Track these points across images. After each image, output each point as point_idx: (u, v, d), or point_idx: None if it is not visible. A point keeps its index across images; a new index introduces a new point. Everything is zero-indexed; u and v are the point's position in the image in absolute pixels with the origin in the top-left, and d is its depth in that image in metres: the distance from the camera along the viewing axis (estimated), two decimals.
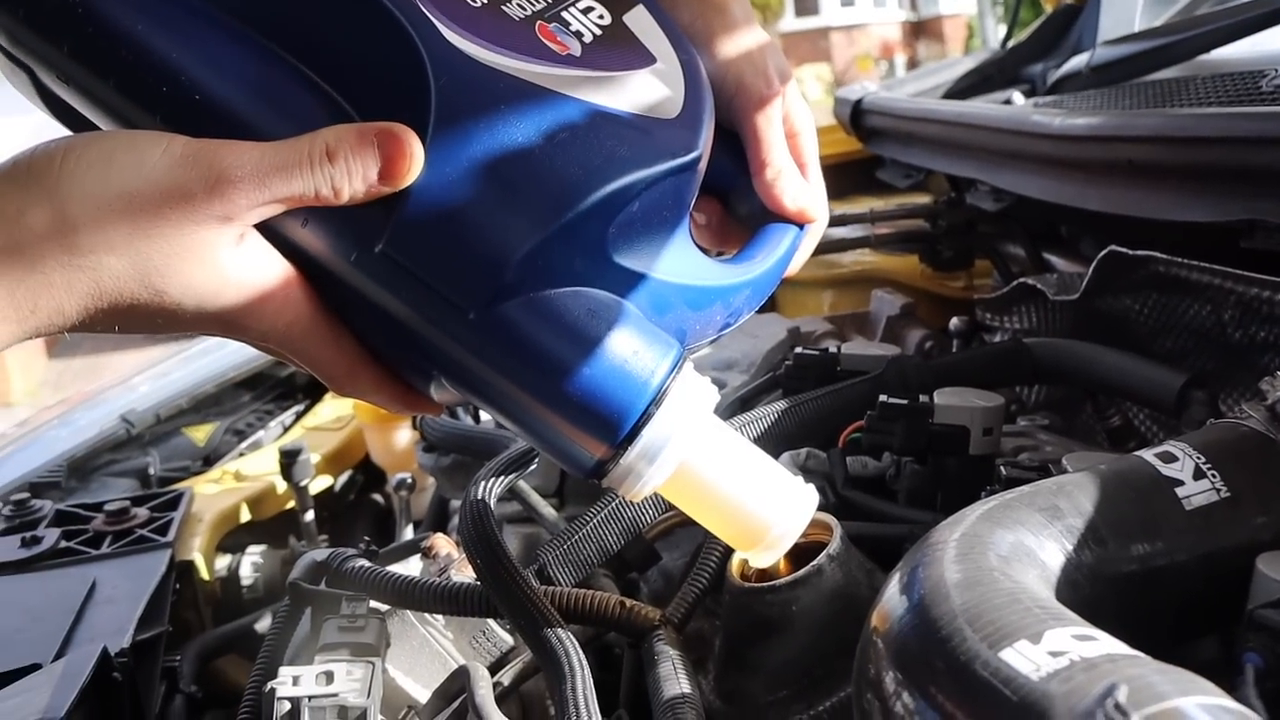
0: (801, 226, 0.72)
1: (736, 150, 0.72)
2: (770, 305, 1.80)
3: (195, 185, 0.49)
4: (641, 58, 0.65)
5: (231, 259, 0.52)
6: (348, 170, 0.51)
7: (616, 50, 0.64)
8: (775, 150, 0.71)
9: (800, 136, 0.74)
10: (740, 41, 0.72)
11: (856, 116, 1.80)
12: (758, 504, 0.62)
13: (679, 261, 0.62)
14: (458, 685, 0.76)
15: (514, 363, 0.56)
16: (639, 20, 0.67)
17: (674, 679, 0.69)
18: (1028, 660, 0.42)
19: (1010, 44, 1.96)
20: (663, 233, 0.61)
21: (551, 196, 0.55)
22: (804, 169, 0.73)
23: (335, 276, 0.54)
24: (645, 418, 0.57)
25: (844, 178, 2.03)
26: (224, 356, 1.76)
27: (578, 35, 0.63)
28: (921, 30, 25.98)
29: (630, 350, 0.56)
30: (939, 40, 24.96)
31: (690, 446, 0.59)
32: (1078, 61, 1.64)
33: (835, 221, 1.65)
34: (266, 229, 0.53)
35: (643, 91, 0.62)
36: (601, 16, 0.65)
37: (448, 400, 0.61)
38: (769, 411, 0.91)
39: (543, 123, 0.56)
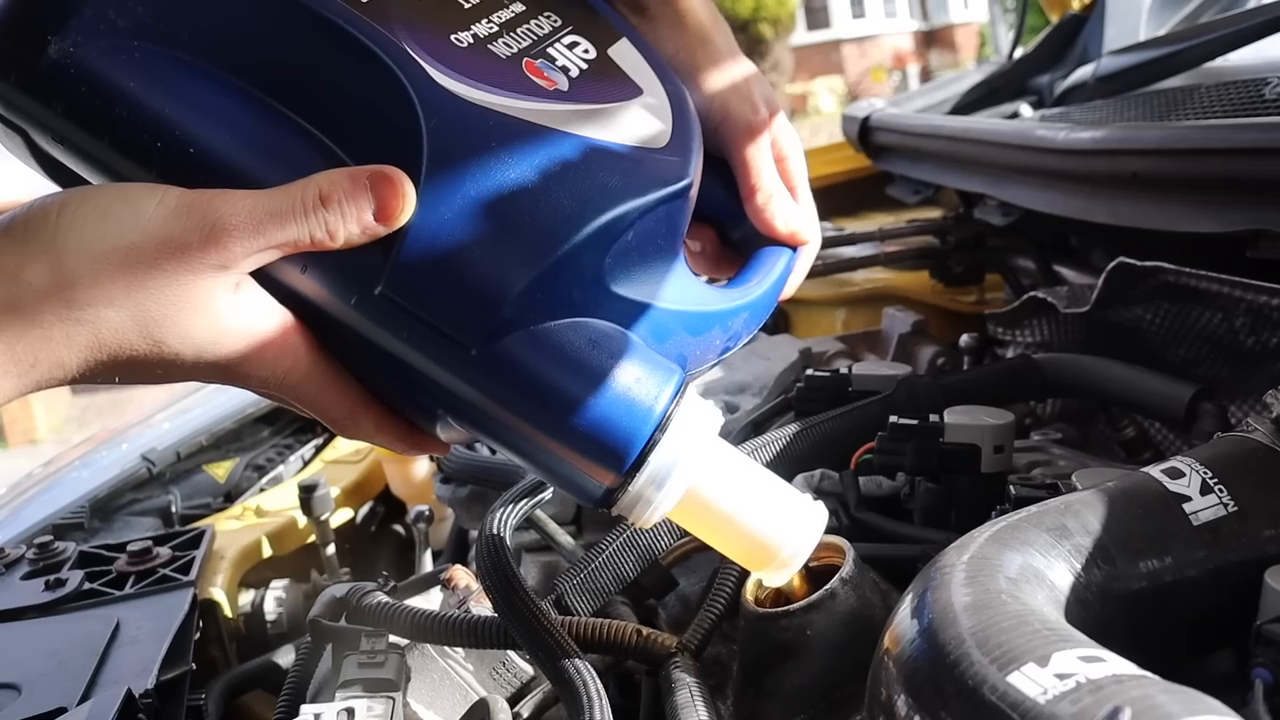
0: (795, 249, 0.73)
1: (727, 177, 0.73)
2: (783, 326, 1.80)
3: (191, 235, 0.50)
4: (628, 90, 0.66)
5: (229, 307, 0.52)
6: (342, 213, 0.52)
7: (603, 83, 0.65)
8: (765, 175, 0.72)
9: (789, 160, 0.75)
10: (725, 71, 0.73)
11: (864, 134, 1.80)
12: (767, 524, 0.62)
13: (676, 288, 0.62)
14: (478, 717, 0.76)
15: (518, 397, 0.56)
16: (624, 53, 0.69)
17: (691, 706, 0.69)
18: (1035, 683, 0.43)
19: (1017, 55, 1.97)
20: (658, 261, 0.62)
21: (546, 230, 0.56)
22: (794, 192, 0.74)
23: (336, 321, 0.55)
24: (651, 444, 0.57)
25: (854, 194, 2.03)
26: (242, 393, 1.76)
27: (564, 70, 0.64)
28: (933, 39, 26.01)
29: (633, 378, 0.57)
30: (951, 49, 24.96)
31: (697, 470, 0.60)
32: (1084, 72, 1.65)
33: (845, 240, 1.66)
34: (266, 277, 0.54)
35: (631, 123, 0.63)
36: (587, 51, 0.66)
37: (454, 439, 0.61)
38: (781, 434, 0.91)
39: (534, 158, 0.57)
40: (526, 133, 0.58)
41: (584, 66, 0.65)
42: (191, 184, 0.52)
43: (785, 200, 0.73)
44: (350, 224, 0.52)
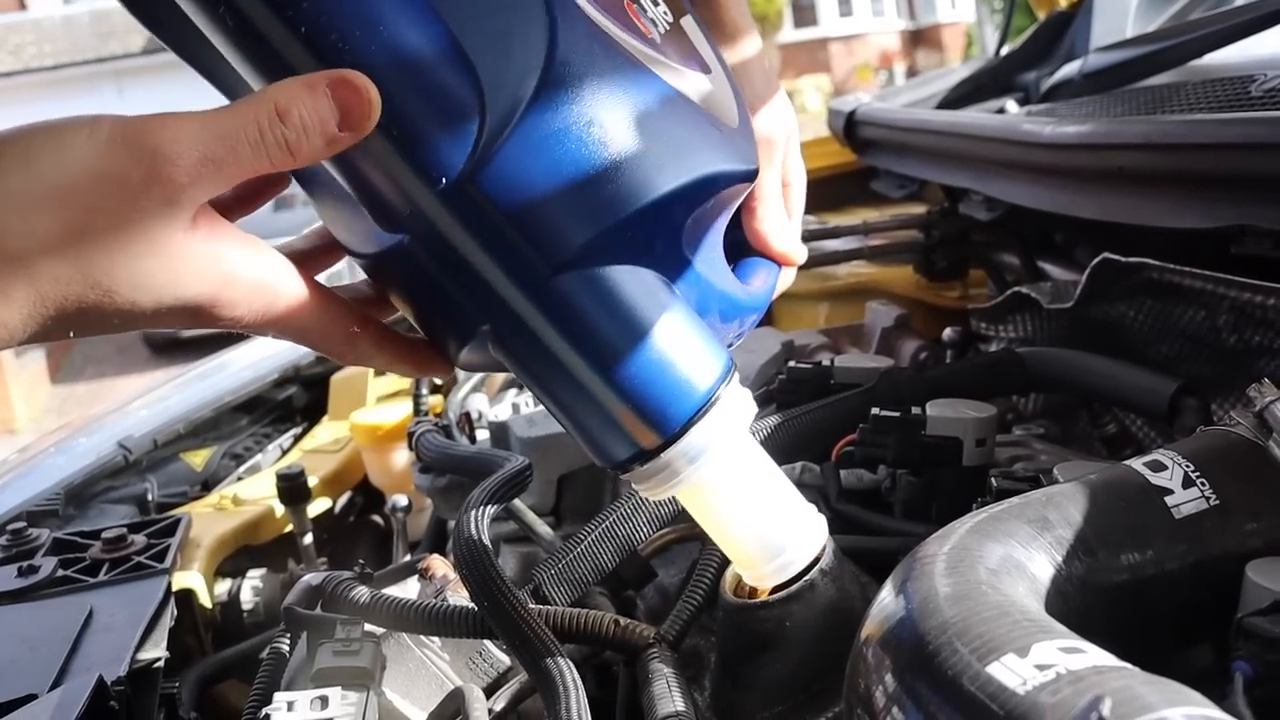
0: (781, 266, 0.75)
1: None
2: (765, 319, 1.79)
3: (129, 169, 0.45)
4: (701, 63, 0.64)
5: (184, 245, 0.48)
6: (304, 127, 0.48)
7: (683, 49, 0.63)
8: (770, 195, 0.73)
9: (792, 188, 0.77)
10: (756, 87, 0.75)
11: (850, 128, 1.80)
12: (770, 528, 0.62)
13: (720, 271, 0.62)
14: (453, 707, 0.75)
15: (583, 332, 0.54)
16: (691, 28, 0.67)
17: (668, 697, 0.68)
18: (1014, 674, 0.42)
19: (1004, 52, 1.96)
20: (713, 239, 0.61)
21: (652, 168, 0.54)
22: (790, 216, 0.77)
23: (406, 206, 0.51)
24: (695, 418, 0.56)
25: (838, 189, 2.03)
26: (221, 381, 1.75)
27: (653, 23, 0.62)
28: (920, 39, 26.07)
29: (696, 348, 0.56)
30: (938, 49, 25.03)
31: (726, 456, 0.59)
32: (1071, 69, 1.65)
33: (829, 234, 1.66)
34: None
35: (713, 94, 0.62)
36: (666, 13, 0.64)
37: (473, 363, 0.59)
38: (763, 426, 0.91)
39: (647, 95, 0.55)
40: (639, 68, 0.56)
41: (665, 28, 0.63)
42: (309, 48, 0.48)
43: (784, 223, 0.74)
44: (314, 138, 0.48)
